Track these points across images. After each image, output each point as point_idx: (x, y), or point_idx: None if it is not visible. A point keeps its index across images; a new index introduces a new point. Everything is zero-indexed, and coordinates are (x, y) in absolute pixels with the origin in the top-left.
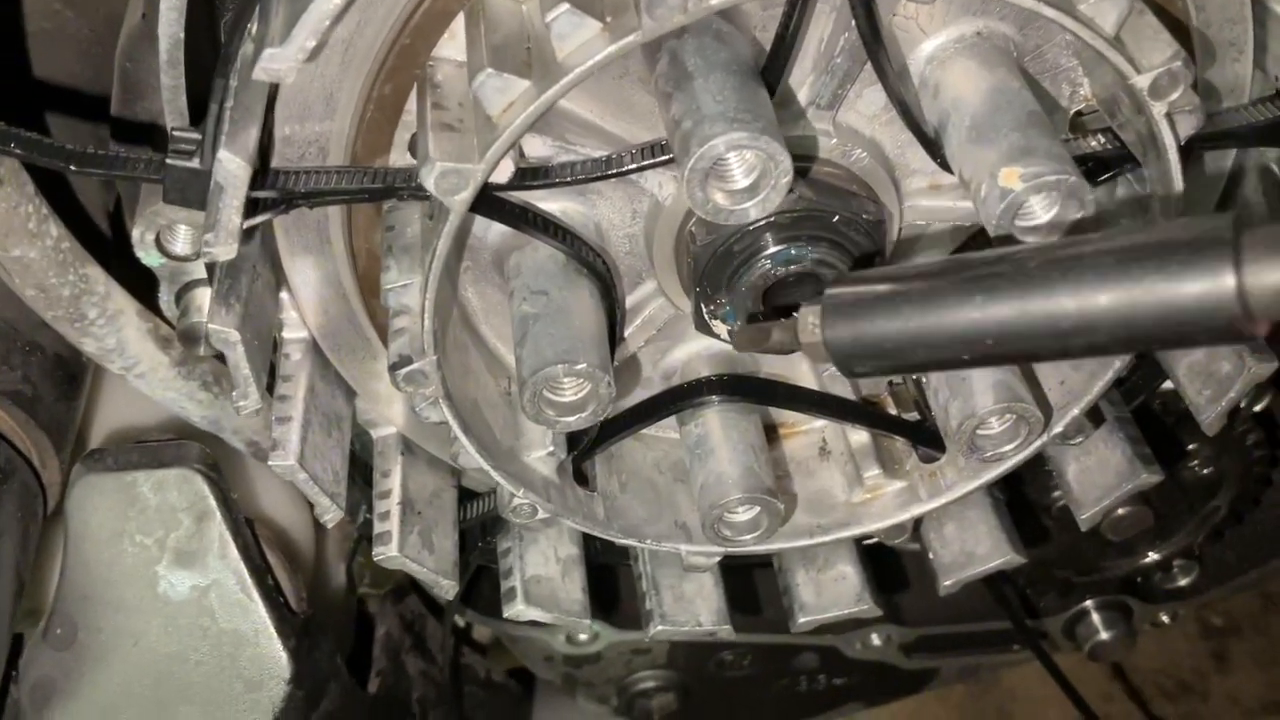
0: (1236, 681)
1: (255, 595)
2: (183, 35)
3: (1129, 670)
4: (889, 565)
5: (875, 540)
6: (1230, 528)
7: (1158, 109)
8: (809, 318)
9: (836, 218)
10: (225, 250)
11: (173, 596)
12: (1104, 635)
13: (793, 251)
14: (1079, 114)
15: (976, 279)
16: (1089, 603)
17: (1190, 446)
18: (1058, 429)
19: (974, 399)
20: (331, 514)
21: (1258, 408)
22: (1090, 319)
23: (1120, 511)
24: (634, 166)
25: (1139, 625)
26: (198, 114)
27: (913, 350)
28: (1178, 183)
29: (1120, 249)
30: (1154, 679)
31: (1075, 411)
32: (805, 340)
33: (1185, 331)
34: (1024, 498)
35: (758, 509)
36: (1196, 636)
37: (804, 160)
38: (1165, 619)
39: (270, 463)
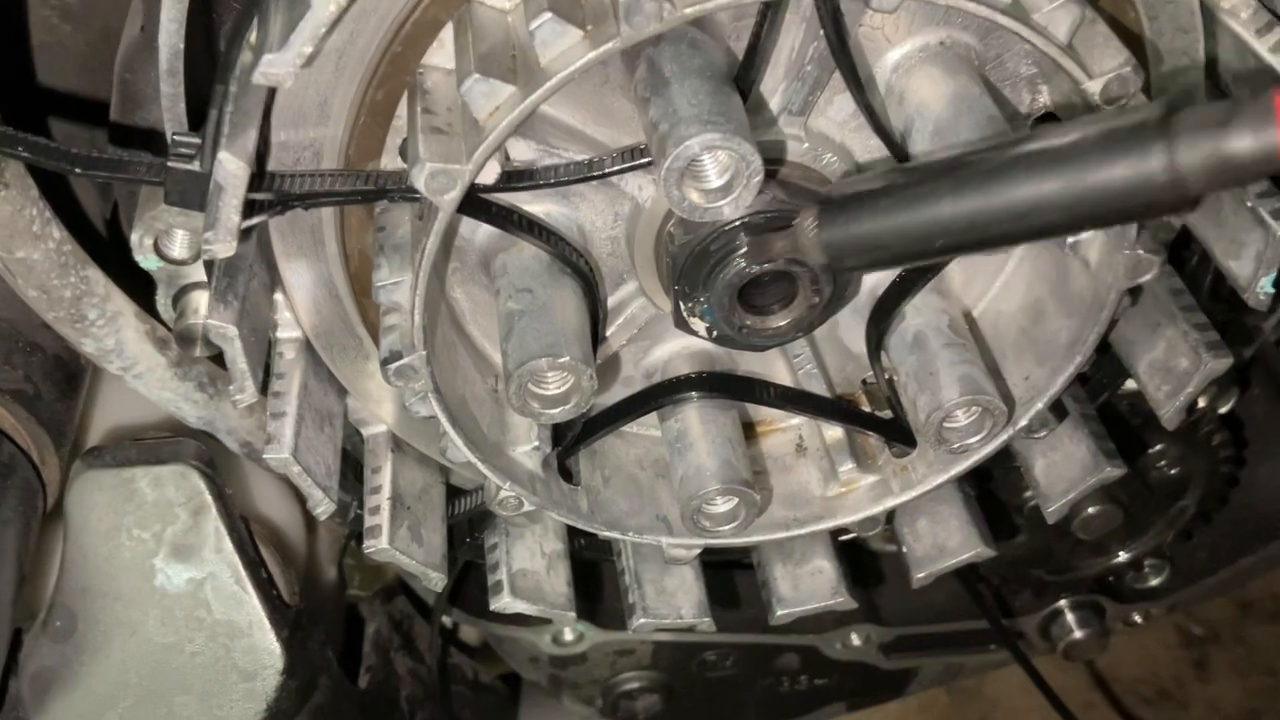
0: (1217, 689)
1: (249, 588)
2: (182, 46)
3: (1110, 678)
4: (869, 567)
5: (852, 536)
6: (1199, 527)
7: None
8: (807, 220)
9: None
10: (224, 248)
11: (169, 589)
12: (1078, 634)
13: (753, 253)
14: (1041, 119)
15: (948, 177)
16: (1063, 602)
17: (1157, 447)
18: (1022, 422)
19: (940, 392)
20: (323, 506)
21: (1223, 409)
22: (1048, 206)
23: (1090, 510)
24: (614, 169)
25: (1112, 625)
26: (195, 121)
27: (897, 244)
28: None
29: (1070, 141)
30: (1135, 687)
31: (1039, 405)
32: (803, 241)
33: (1129, 209)
34: (997, 498)
35: (735, 500)
36: (1177, 645)
37: (777, 163)
38: (1138, 619)
39: (265, 455)
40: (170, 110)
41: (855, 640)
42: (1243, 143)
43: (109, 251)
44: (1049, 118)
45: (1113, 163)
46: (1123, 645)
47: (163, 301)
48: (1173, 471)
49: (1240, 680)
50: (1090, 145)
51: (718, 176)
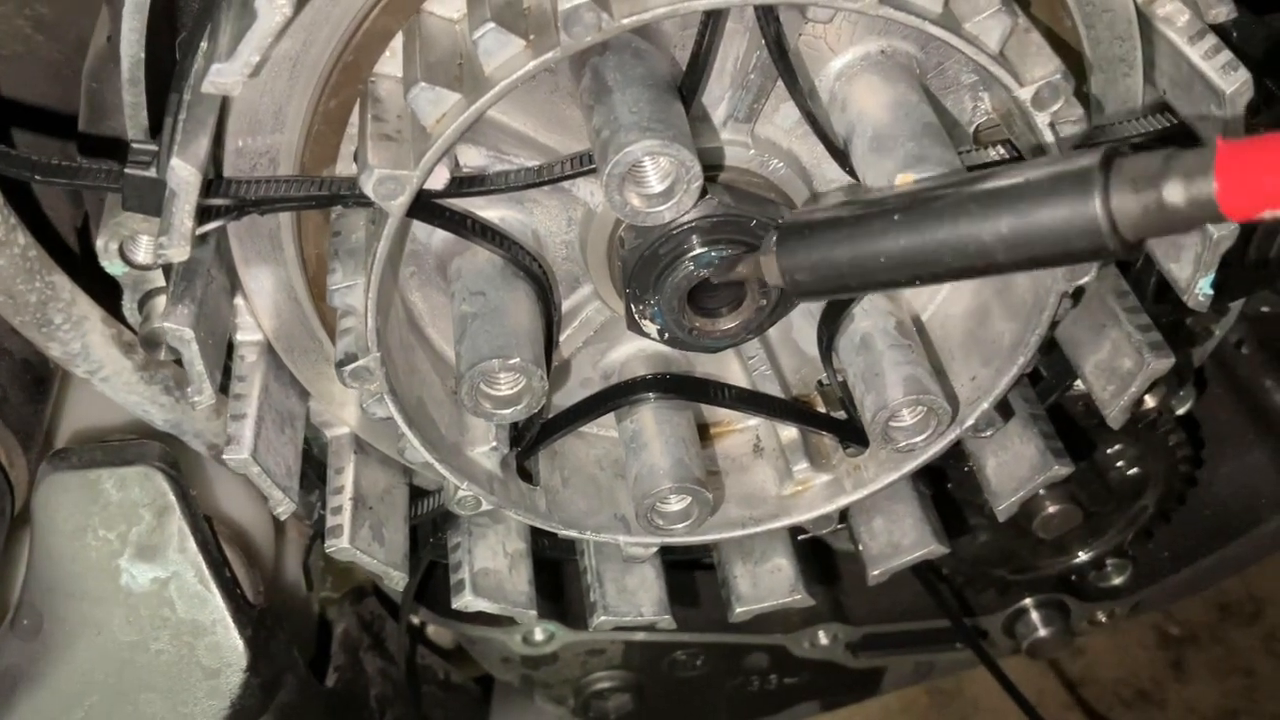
0: (1194, 690)
1: (213, 587)
2: (143, 56)
3: (1089, 680)
4: (835, 567)
5: (811, 534)
6: (1159, 527)
7: (1041, 119)
8: (769, 247)
9: (754, 222)
10: (179, 252)
11: (134, 588)
12: (1042, 632)
13: (713, 254)
14: (984, 127)
15: (899, 213)
16: (1027, 601)
17: (1115, 447)
18: (969, 422)
19: (886, 392)
20: (284, 506)
21: (1181, 411)
22: (990, 245)
23: (1049, 510)
24: (562, 175)
25: (1077, 624)
26: (158, 129)
27: (850, 274)
28: None
29: (1012, 185)
30: (1113, 688)
31: (985, 405)
32: (765, 266)
33: (1067, 252)
34: (957, 499)
35: (688, 499)
36: (1154, 646)
37: (725, 170)
38: (1102, 617)
39: (224, 456)
40: (132, 119)
41: (823, 639)
42: (1177, 194)
43: (80, 259)
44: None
45: (1053, 207)
46: (1101, 647)
47: (129, 306)
48: (1131, 471)
49: (1218, 681)
50: (1033, 189)
51: (659, 181)
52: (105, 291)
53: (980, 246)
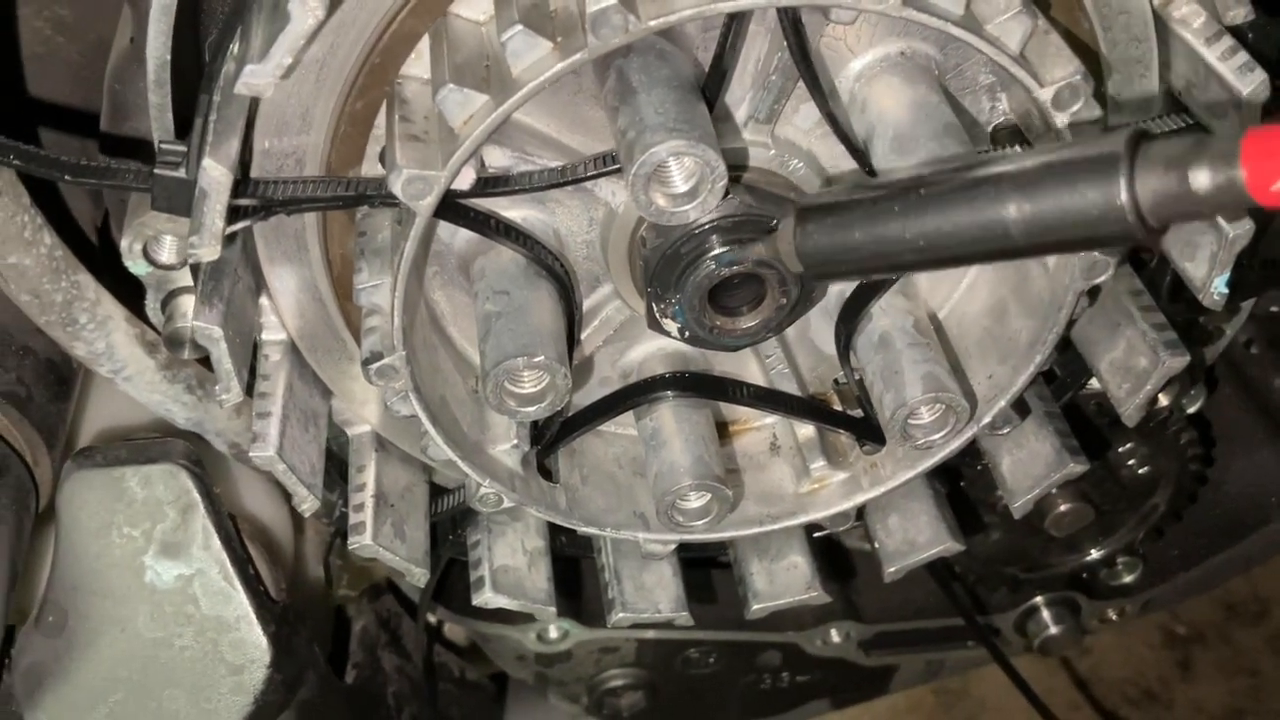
0: (1201, 690)
1: (237, 583)
2: (169, 58)
3: (1095, 679)
4: (848, 565)
5: (827, 532)
6: (1170, 525)
7: (1060, 119)
8: (787, 229)
9: (774, 222)
10: (209, 251)
11: (159, 585)
12: (1053, 630)
13: (734, 253)
14: (1002, 127)
15: (916, 196)
16: (1039, 599)
17: (1127, 446)
18: (985, 419)
19: (905, 390)
20: (308, 503)
21: (1191, 409)
22: (1011, 228)
23: (1061, 508)
24: (586, 175)
25: (1088, 622)
26: (181, 130)
27: (867, 256)
28: None
29: (1035, 166)
30: (1120, 687)
31: (1002, 403)
32: (783, 247)
33: (1090, 236)
34: (970, 497)
35: (708, 495)
36: (1161, 646)
37: (746, 170)
38: (1113, 615)
39: (250, 454)
40: (158, 120)
41: (835, 637)
42: (1203, 179)
43: (101, 258)
44: (1014, 130)
45: (1075, 191)
46: (1108, 646)
47: (152, 306)
48: (1142, 470)
49: (1224, 681)
50: (1054, 172)
51: (683, 181)
52: (126, 291)
53: (1000, 229)
